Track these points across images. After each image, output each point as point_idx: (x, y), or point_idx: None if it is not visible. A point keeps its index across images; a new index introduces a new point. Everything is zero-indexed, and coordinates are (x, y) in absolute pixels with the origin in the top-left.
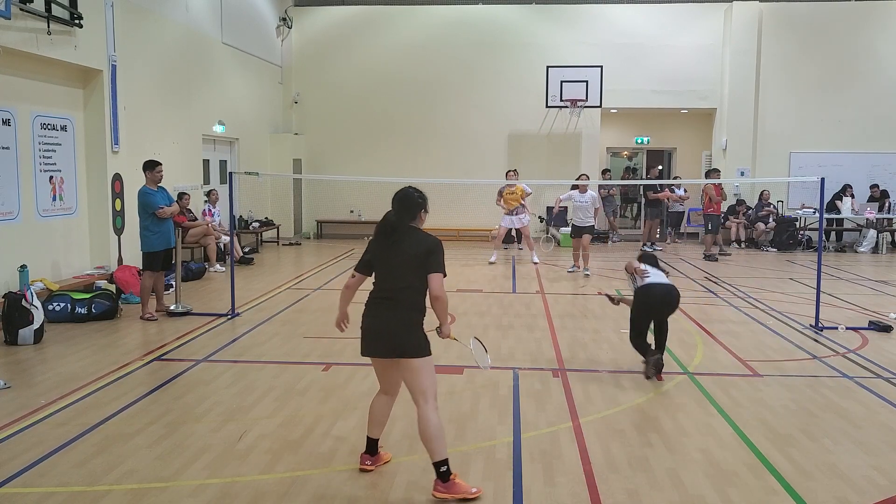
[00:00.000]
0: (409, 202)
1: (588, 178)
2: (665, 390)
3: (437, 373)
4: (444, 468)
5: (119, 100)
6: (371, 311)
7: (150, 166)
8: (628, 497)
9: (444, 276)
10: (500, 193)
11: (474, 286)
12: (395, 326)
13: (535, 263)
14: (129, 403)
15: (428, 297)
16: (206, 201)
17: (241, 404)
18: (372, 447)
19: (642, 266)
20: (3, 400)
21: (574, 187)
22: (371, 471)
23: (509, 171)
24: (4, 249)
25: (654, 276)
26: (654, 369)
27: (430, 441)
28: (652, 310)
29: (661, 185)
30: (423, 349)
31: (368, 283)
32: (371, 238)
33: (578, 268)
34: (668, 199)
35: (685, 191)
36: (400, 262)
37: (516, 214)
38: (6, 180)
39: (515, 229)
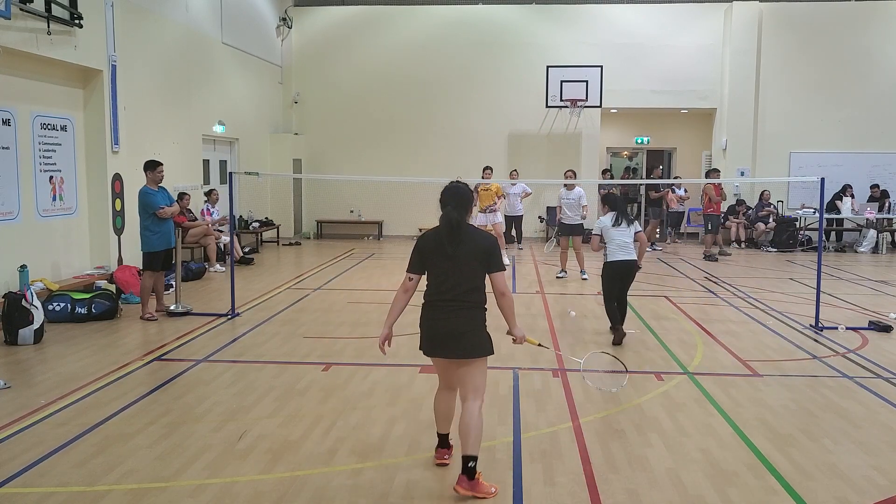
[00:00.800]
0: (465, 197)
1: (574, 174)
2: (665, 390)
3: (437, 373)
4: (472, 464)
5: (119, 100)
6: (434, 314)
7: (152, 166)
8: (628, 497)
9: (504, 270)
10: (475, 190)
11: None
12: (465, 328)
13: (506, 265)
14: (129, 403)
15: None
16: (205, 201)
17: (241, 404)
18: (444, 442)
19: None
20: (3, 400)
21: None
22: (448, 465)
23: (486, 168)
24: (4, 249)
25: (618, 236)
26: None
27: (468, 435)
28: (613, 281)
29: (660, 186)
30: (488, 349)
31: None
32: (424, 235)
33: (566, 272)
34: (668, 199)
35: (685, 191)
36: (463, 262)
37: (490, 212)
38: (6, 180)
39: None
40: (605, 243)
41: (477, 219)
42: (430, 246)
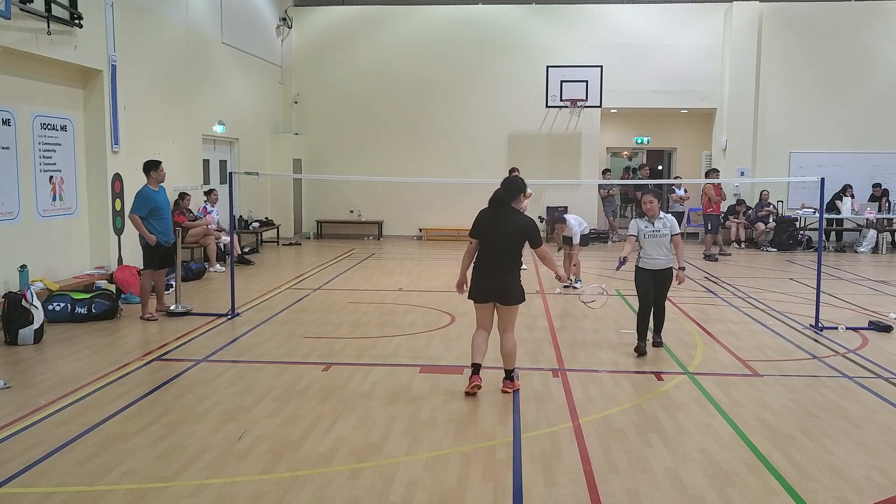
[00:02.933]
0: (515, 184)
1: (564, 211)
2: (665, 390)
3: (437, 373)
4: (513, 373)
5: (119, 100)
6: (483, 272)
7: (154, 166)
8: (628, 497)
9: (544, 243)
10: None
11: None
12: (507, 284)
13: (524, 269)
14: (129, 403)
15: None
16: (205, 201)
17: (241, 404)
18: (477, 369)
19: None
20: (3, 400)
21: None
22: (479, 389)
23: (513, 168)
24: (4, 249)
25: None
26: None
27: (509, 355)
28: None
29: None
30: (519, 299)
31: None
32: (481, 211)
33: (571, 280)
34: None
35: (685, 191)
36: (508, 237)
37: None
38: (6, 180)
39: None
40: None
41: None
42: (483, 219)
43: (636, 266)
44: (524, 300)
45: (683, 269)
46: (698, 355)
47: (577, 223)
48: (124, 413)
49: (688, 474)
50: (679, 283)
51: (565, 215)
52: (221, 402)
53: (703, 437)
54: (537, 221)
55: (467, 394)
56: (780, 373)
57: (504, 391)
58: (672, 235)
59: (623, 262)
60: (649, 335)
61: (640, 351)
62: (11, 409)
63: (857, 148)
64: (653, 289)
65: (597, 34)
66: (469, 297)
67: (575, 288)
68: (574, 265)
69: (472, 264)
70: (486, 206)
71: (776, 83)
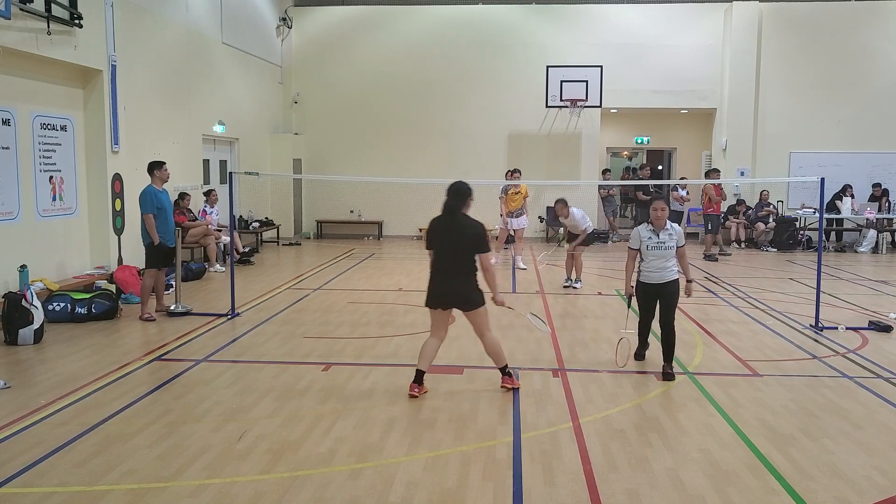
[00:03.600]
0: (462, 193)
1: (565, 203)
2: (665, 390)
3: (437, 373)
4: (506, 369)
5: (119, 100)
6: (438, 278)
7: (159, 165)
8: (628, 497)
9: (489, 251)
10: (505, 192)
11: None
12: (462, 289)
13: (523, 269)
14: (129, 403)
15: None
16: (204, 202)
17: (241, 404)
18: (419, 378)
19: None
20: (3, 400)
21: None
22: (417, 397)
23: (510, 170)
24: (4, 249)
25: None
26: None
27: (495, 354)
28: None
29: (650, 187)
30: (479, 303)
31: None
32: (431, 221)
33: (571, 280)
34: (674, 197)
35: (687, 192)
36: (458, 242)
37: (517, 217)
38: (6, 180)
39: (513, 230)
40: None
41: (509, 224)
42: (434, 228)
43: (637, 280)
44: (483, 304)
45: (691, 281)
46: (698, 355)
47: (580, 216)
48: (124, 413)
49: (688, 474)
50: (688, 296)
51: (571, 208)
52: (221, 402)
53: (703, 437)
54: (537, 221)
55: (411, 396)
56: (780, 373)
57: (504, 387)
58: (678, 247)
59: (631, 296)
60: (644, 340)
61: (639, 356)
62: (11, 409)
63: (857, 148)
64: (658, 305)
65: (597, 34)
66: (425, 304)
67: (575, 288)
68: (575, 263)
69: (430, 272)
70: (439, 214)
71: (776, 83)
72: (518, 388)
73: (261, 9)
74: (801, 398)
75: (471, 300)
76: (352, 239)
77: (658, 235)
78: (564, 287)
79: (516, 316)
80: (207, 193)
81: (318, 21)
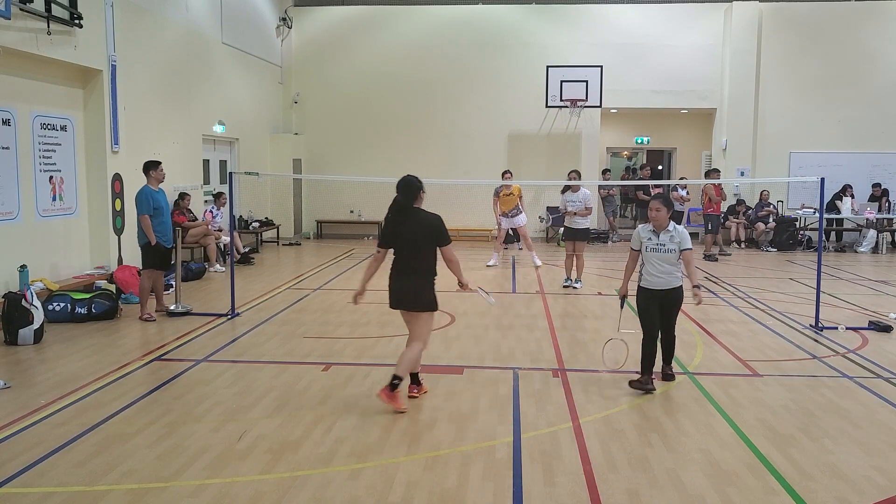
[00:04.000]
0: (411, 187)
1: (578, 174)
2: (665, 390)
3: (437, 373)
4: (396, 381)
5: (119, 100)
6: (395, 277)
7: (154, 165)
8: (628, 497)
9: (451, 242)
10: (497, 194)
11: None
12: (416, 288)
13: (538, 267)
14: (129, 403)
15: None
16: (214, 202)
17: (241, 404)
18: (415, 379)
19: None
20: (3, 400)
21: (566, 188)
22: (417, 397)
23: (505, 171)
24: (4, 249)
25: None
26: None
27: (402, 362)
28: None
29: (649, 187)
30: (430, 306)
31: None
32: (386, 218)
33: (571, 280)
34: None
35: (687, 192)
36: (414, 237)
37: (512, 216)
38: (6, 180)
39: (512, 229)
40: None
41: (503, 224)
42: (390, 226)
43: (638, 286)
44: (436, 308)
45: (699, 287)
46: (698, 355)
47: (584, 199)
48: (124, 413)
49: (688, 474)
50: (697, 303)
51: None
52: (221, 402)
53: (703, 437)
54: (537, 221)
55: (410, 397)
56: (780, 373)
57: (379, 395)
58: (681, 251)
59: (624, 297)
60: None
61: (648, 389)
62: (11, 409)
63: (857, 148)
64: (660, 314)
65: (597, 34)
66: (390, 305)
67: (575, 288)
68: (578, 263)
69: (390, 271)
70: (390, 211)
71: (776, 83)
72: (402, 411)
73: (261, 9)
74: (801, 398)
75: (420, 301)
76: (352, 239)
77: (658, 237)
78: (564, 287)
79: (516, 316)
80: (217, 196)
81: (318, 21)
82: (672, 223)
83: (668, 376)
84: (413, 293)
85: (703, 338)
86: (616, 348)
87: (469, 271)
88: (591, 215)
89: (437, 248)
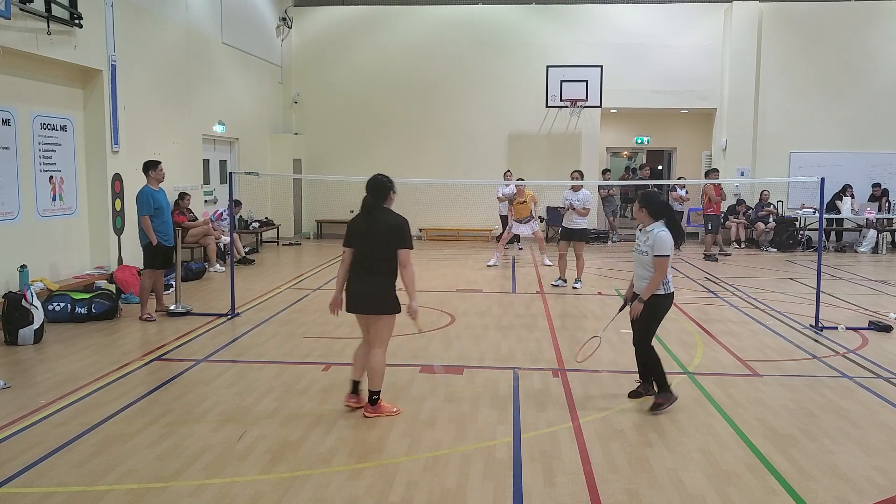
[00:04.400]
0: (381, 186)
1: (581, 175)
2: None
3: (436, 373)
4: (375, 396)
5: (119, 100)
6: (355, 279)
7: (153, 165)
8: (628, 497)
9: (412, 249)
10: (511, 202)
11: (474, 286)
12: (376, 290)
13: (549, 265)
14: (129, 403)
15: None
16: (226, 209)
17: (241, 404)
18: (355, 388)
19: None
20: (3, 400)
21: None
22: (354, 409)
23: (507, 171)
24: (4, 249)
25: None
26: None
27: (374, 374)
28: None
29: (654, 186)
30: (392, 309)
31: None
32: (352, 218)
33: (565, 281)
34: (673, 197)
35: (686, 192)
36: (377, 237)
37: (527, 223)
38: (6, 180)
39: (520, 234)
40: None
41: (513, 228)
42: (355, 225)
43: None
44: (398, 311)
45: (640, 301)
46: (698, 355)
47: (584, 199)
48: (124, 413)
49: (688, 474)
50: (632, 316)
51: (584, 189)
52: (221, 402)
53: (703, 437)
54: (536, 222)
55: (346, 406)
56: (780, 373)
57: (365, 415)
58: (654, 256)
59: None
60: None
61: (634, 393)
62: (11, 409)
63: (857, 148)
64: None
65: (597, 34)
66: (346, 309)
67: (575, 288)
68: (578, 263)
69: (349, 273)
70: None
71: (776, 83)
72: (391, 414)
73: (261, 9)
74: (801, 398)
75: (380, 304)
76: None
77: (638, 237)
78: (553, 286)
79: (516, 316)
80: (238, 203)
81: (318, 21)
82: (655, 224)
83: (634, 393)
84: (375, 296)
85: (703, 338)
86: (592, 345)
87: (469, 271)
88: (588, 216)
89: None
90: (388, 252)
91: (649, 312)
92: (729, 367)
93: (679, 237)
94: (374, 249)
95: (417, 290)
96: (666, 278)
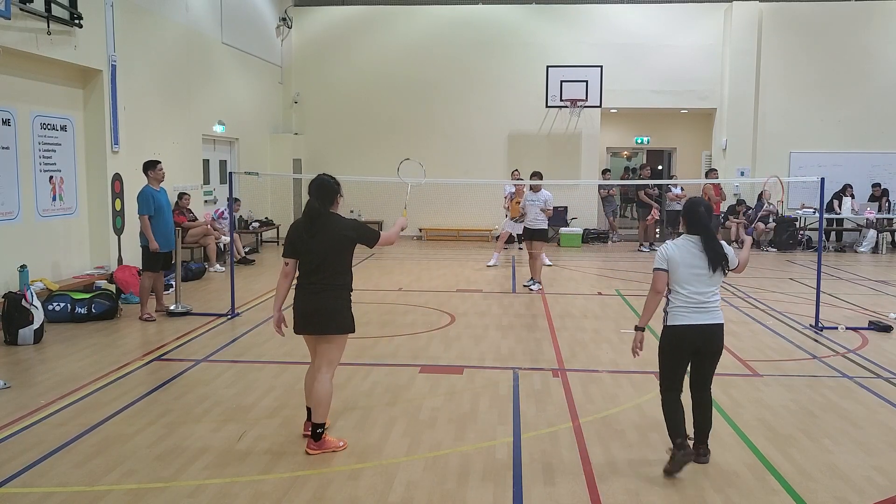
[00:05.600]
0: (327, 189)
1: (540, 176)
2: None
3: (437, 372)
4: (320, 430)
5: (119, 100)
6: (302, 295)
7: (153, 165)
8: (628, 497)
9: (378, 238)
10: (512, 198)
11: (474, 286)
12: (325, 306)
13: (549, 265)
14: (129, 403)
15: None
16: (226, 208)
17: (241, 404)
18: (311, 415)
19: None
20: (3, 400)
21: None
22: (315, 454)
23: (514, 170)
24: (4, 249)
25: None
26: (678, 465)
27: (319, 404)
28: (680, 358)
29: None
30: (346, 328)
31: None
32: (293, 224)
33: (540, 282)
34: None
35: (682, 189)
36: (327, 247)
37: (520, 222)
38: (6, 180)
39: (516, 233)
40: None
41: (506, 226)
42: (298, 233)
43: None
44: (351, 331)
45: (639, 329)
46: None
47: (542, 201)
48: (124, 413)
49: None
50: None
51: (543, 189)
52: (221, 402)
53: None
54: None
55: (304, 434)
56: (780, 373)
57: (308, 452)
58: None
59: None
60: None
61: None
62: (11, 409)
63: (857, 148)
64: None
65: (597, 34)
66: (294, 330)
67: (531, 290)
68: (535, 263)
69: (295, 289)
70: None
71: (776, 83)
72: (334, 450)
73: (261, 9)
74: (801, 398)
75: (331, 322)
76: None
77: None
78: (524, 286)
79: (516, 315)
80: (236, 201)
81: (318, 21)
82: (544, 190)
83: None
84: (325, 314)
85: None
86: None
87: (469, 271)
88: (548, 217)
89: (355, 251)
90: (341, 265)
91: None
92: (729, 367)
93: (710, 252)
94: (324, 263)
95: (421, 289)
96: (670, 302)
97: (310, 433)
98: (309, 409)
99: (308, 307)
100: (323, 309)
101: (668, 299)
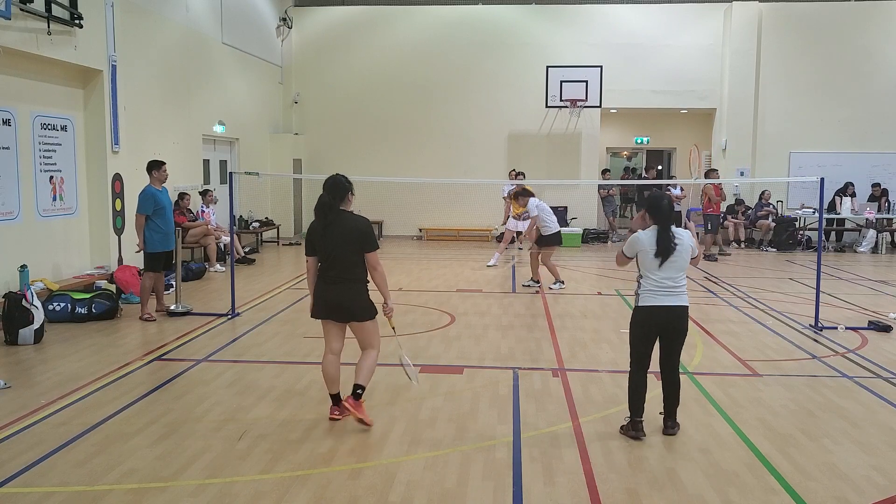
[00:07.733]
0: (339, 186)
1: (526, 191)
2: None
3: (437, 372)
4: (360, 391)
5: (119, 100)
6: (323, 286)
7: (157, 165)
8: (628, 497)
9: (377, 248)
10: (511, 197)
11: (474, 286)
12: (352, 298)
13: (492, 266)
14: (129, 403)
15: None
16: (201, 203)
17: (241, 404)
18: (336, 400)
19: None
20: (3, 400)
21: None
22: (339, 419)
23: (513, 171)
24: (4, 249)
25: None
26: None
27: (361, 370)
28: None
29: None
30: (372, 310)
31: None
32: (311, 224)
33: (538, 282)
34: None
35: (682, 189)
36: (338, 240)
37: (524, 219)
38: (6, 180)
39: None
40: (639, 274)
41: (509, 224)
42: (313, 231)
43: None
44: (376, 313)
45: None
46: (698, 355)
47: (534, 208)
48: (124, 413)
49: (688, 474)
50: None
51: (533, 199)
52: (221, 402)
53: (703, 437)
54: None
55: (331, 419)
56: (779, 373)
57: (331, 416)
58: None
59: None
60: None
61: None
62: (11, 409)
63: (857, 148)
64: None
65: (597, 34)
66: (311, 315)
67: (528, 286)
68: (542, 266)
69: (316, 281)
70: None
71: (776, 83)
72: (364, 420)
73: (261, 9)
74: (800, 398)
75: (359, 311)
76: None
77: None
78: (524, 286)
79: (516, 315)
80: (203, 193)
81: (318, 21)
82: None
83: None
84: (348, 304)
85: (702, 338)
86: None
87: (469, 271)
88: (534, 222)
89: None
90: (354, 258)
91: (630, 325)
92: (729, 366)
93: (660, 242)
94: (339, 257)
95: (421, 289)
96: (641, 286)
97: (337, 416)
98: (332, 396)
99: (332, 298)
100: (345, 301)
101: (639, 283)
